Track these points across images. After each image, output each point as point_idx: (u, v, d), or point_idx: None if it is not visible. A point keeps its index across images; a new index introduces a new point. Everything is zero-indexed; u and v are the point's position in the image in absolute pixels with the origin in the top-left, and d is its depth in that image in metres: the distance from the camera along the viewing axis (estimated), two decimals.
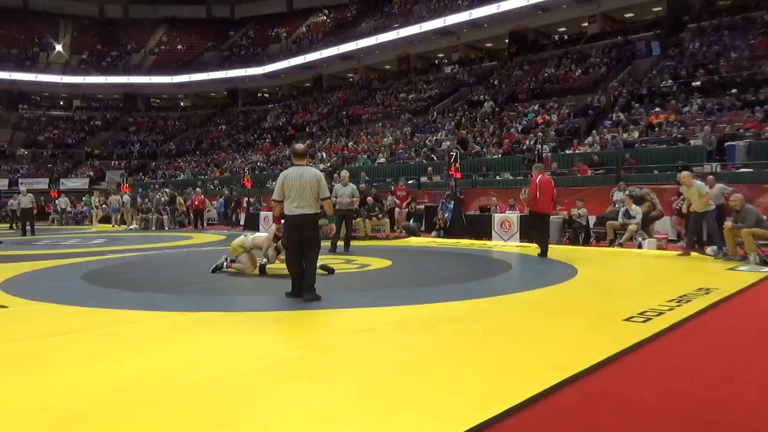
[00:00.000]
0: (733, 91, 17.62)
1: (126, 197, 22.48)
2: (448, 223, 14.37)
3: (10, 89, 43.00)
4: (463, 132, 22.62)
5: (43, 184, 32.27)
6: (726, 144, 14.56)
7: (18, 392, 2.99)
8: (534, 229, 9.87)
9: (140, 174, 37.90)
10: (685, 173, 9.57)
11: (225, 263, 7.69)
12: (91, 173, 38.31)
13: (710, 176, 11.42)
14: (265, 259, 7.67)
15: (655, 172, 14.61)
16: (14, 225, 20.48)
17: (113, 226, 21.90)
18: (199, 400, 2.85)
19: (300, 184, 5.46)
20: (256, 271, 7.55)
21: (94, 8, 49.16)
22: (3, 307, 5.33)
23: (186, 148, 40.62)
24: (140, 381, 3.15)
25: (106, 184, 35.31)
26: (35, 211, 17.65)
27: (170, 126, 45.50)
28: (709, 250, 9.35)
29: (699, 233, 9.57)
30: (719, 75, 19.01)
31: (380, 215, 14.90)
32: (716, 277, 7.03)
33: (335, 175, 18.40)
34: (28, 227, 16.83)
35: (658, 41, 23.99)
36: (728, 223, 9.01)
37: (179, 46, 48.72)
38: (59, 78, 43.48)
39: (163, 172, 36.21)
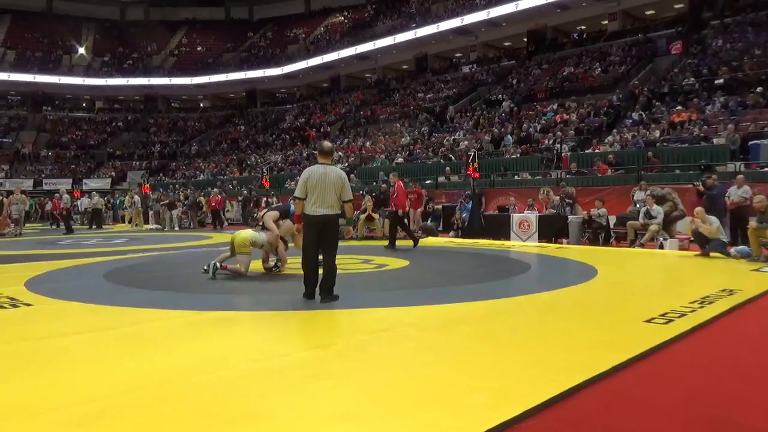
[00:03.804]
0: (758, 89, 17.28)
1: (135, 198, 22.75)
2: (466, 223, 14.32)
3: (35, 91, 43.83)
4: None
5: (66, 184, 32.81)
6: (750, 143, 14.30)
7: (42, 389, 3.05)
8: (401, 226, 11.80)
9: (161, 174, 38.37)
10: (698, 209, 9.47)
11: (219, 264, 7.14)
12: (113, 174, 38.90)
13: (740, 176, 11.21)
14: (274, 261, 7.61)
15: (677, 171, 14.39)
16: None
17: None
18: (220, 398, 2.88)
19: (324, 183, 5.36)
20: (267, 270, 7.51)
21: (115, 11, 49.89)
22: (28, 305, 5.44)
23: (205, 149, 41.04)
24: (162, 379, 3.20)
25: (127, 184, 35.80)
26: (64, 212, 18.87)
27: (190, 127, 46.01)
28: (732, 250, 9.19)
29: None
30: (743, 72, 18.67)
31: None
32: (740, 278, 6.91)
33: (352, 175, 18.46)
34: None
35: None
36: (753, 224, 8.85)
37: (199, 48, 49.24)
38: (82, 80, 44.27)
39: (183, 173, 36.61)
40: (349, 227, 6.04)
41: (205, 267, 7.22)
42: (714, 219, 9.29)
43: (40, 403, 2.82)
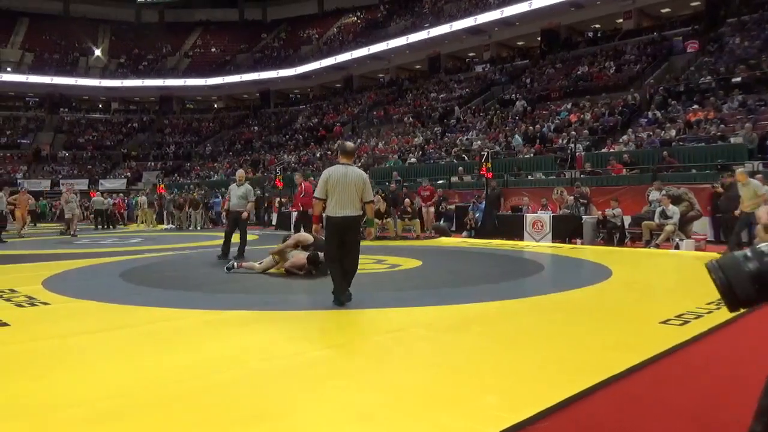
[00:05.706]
0: None
1: (143, 198, 22.97)
2: (479, 224, 14.28)
3: (52, 93, 44.49)
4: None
5: (83, 185, 33.28)
6: None
7: (60, 386, 3.09)
8: (304, 225, 11.55)
9: (175, 175, 38.71)
10: (740, 170, 9.25)
11: (235, 263, 7.75)
12: (129, 174, 39.32)
13: (758, 176, 11.04)
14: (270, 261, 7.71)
15: (693, 171, 14.23)
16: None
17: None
18: (235, 396, 2.90)
19: (344, 184, 5.26)
20: (281, 270, 7.58)
21: (131, 13, 50.48)
22: (45, 304, 5.51)
23: (219, 149, 41.33)
24: (178, 377, 3.23)
25: (142, 184, 36.19)
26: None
27: (204, 127, 46.39)
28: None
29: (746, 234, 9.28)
30: (761, 71, 18.41)
31: (410, 216, 14.88)
32: None
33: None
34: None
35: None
36: None
37: (213, 49, 49.63)
38: (98, 82, 44.90)
39: (198, 173, 36.88)
40: (370, 228, 5.86)
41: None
42: (758, 183, 9.01)
43: (59, 399, 2.86)
